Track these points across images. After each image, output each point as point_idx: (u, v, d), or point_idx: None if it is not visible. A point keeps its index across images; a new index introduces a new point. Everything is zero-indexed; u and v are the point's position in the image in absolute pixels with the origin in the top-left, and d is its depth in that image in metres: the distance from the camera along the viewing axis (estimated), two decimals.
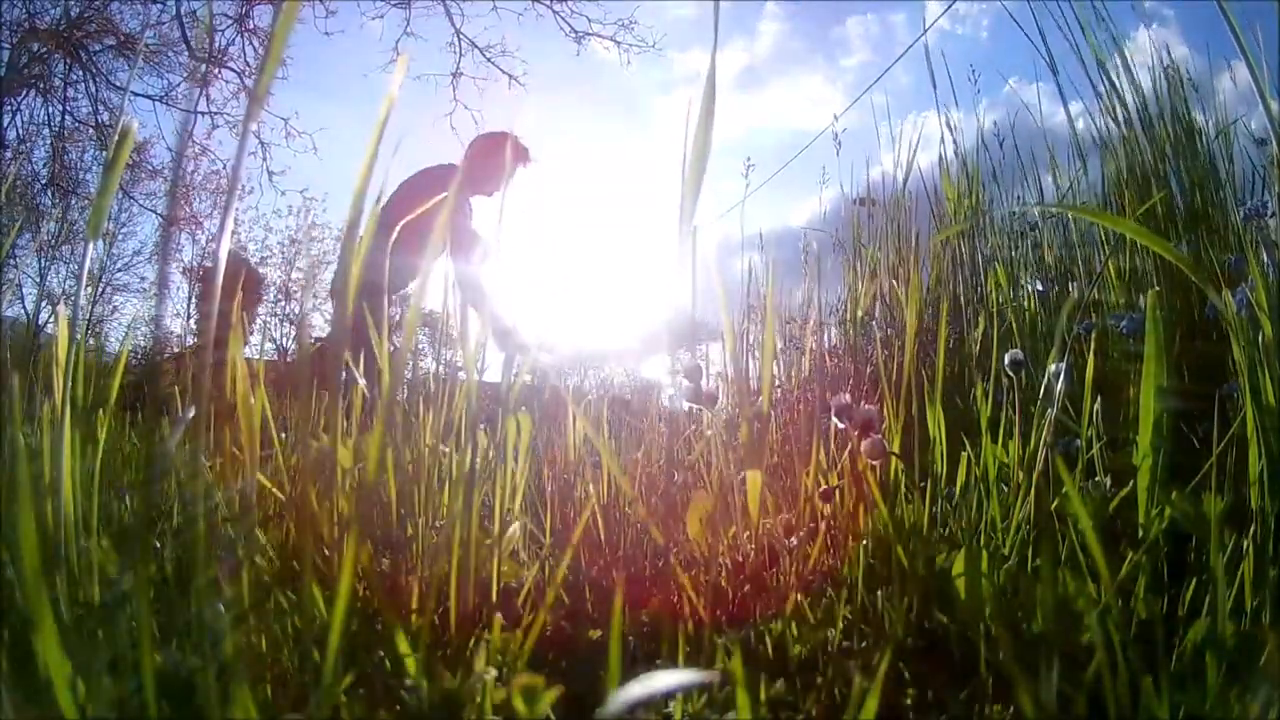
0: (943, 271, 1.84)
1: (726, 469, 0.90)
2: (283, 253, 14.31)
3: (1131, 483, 0.72)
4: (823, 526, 0.78)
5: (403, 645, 0.51)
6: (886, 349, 1.50)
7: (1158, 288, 0.96)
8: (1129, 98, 1.54)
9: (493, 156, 2.94)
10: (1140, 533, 0.70)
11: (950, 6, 2.34)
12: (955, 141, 1.96)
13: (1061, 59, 1.64)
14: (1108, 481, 0.78)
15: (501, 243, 0.73)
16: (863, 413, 0.79)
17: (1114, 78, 1.55)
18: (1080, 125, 1.68)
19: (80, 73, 8.54)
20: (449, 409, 0.85)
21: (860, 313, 1.83)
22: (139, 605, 0.36)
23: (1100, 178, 1.65)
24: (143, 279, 13.24)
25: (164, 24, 8.23)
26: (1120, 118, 1.55)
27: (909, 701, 0.61)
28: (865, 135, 2.17)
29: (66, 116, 8.77)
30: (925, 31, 2.12)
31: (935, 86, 1.98)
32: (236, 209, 0.48)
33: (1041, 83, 1.81)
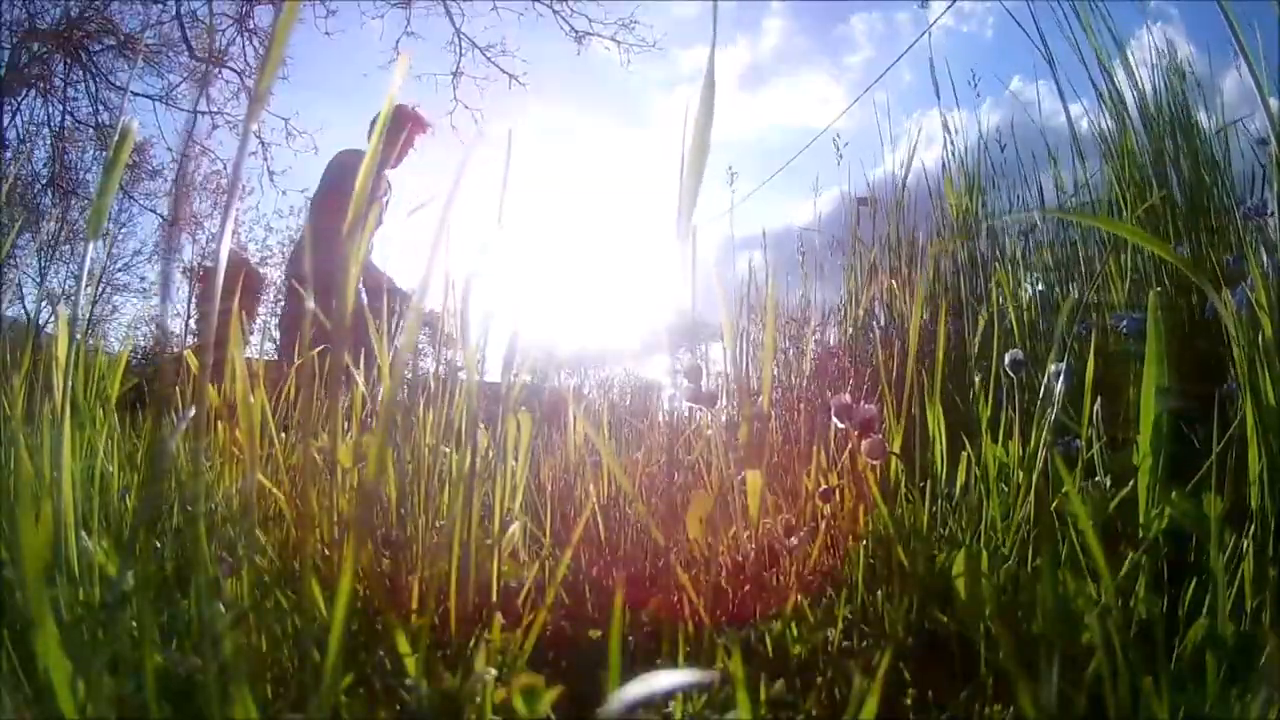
0: (943, 271, 1.84)
1: (726, 469, 0.90)
2: (283, 253, 14.32)
3: (1131, 483, 0.72)
4: (823, 526, 0.78)
5: (403, 645, 0.51)
6: (886, 349, 1.50)
7: (1158, 288, 0.96)
8: (1129, 97, 1.54)
9: (391, 132, 3.06)
10: (1140, 533, 0.70)
11: (951, 5, 2.34)
12: (956, 142, 1.96)
13: (1063, 58, 1.64)
14: (1108, 481, 0.78)
15: (501, 242, 0.73)
16: (863, 412, 0.79)
17: (1115, 78, 1.55)
18: (1084, 126, 1.68)
19: (80, 73, 8.55)
20: (449, 408, 0.85)
21: (860, 313, 1.83)
22: (140, 605, 0.36)
23: (1102, 177, 1.65)
24: (143, 279, 13.26)
25: (164, 24, 8.25)
26: (1120, 117, 1.55)
27: (909, 701, 0.61)
28: (869, 134, 2.17)
29: (66, 116, 8.78)
30: (927, 30, 2.12)
31: (938, 88, 1.98)
32: (237, 209, 0.48)
33: (1045, 82, 1.81)
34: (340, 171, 2.98)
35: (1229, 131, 1.55)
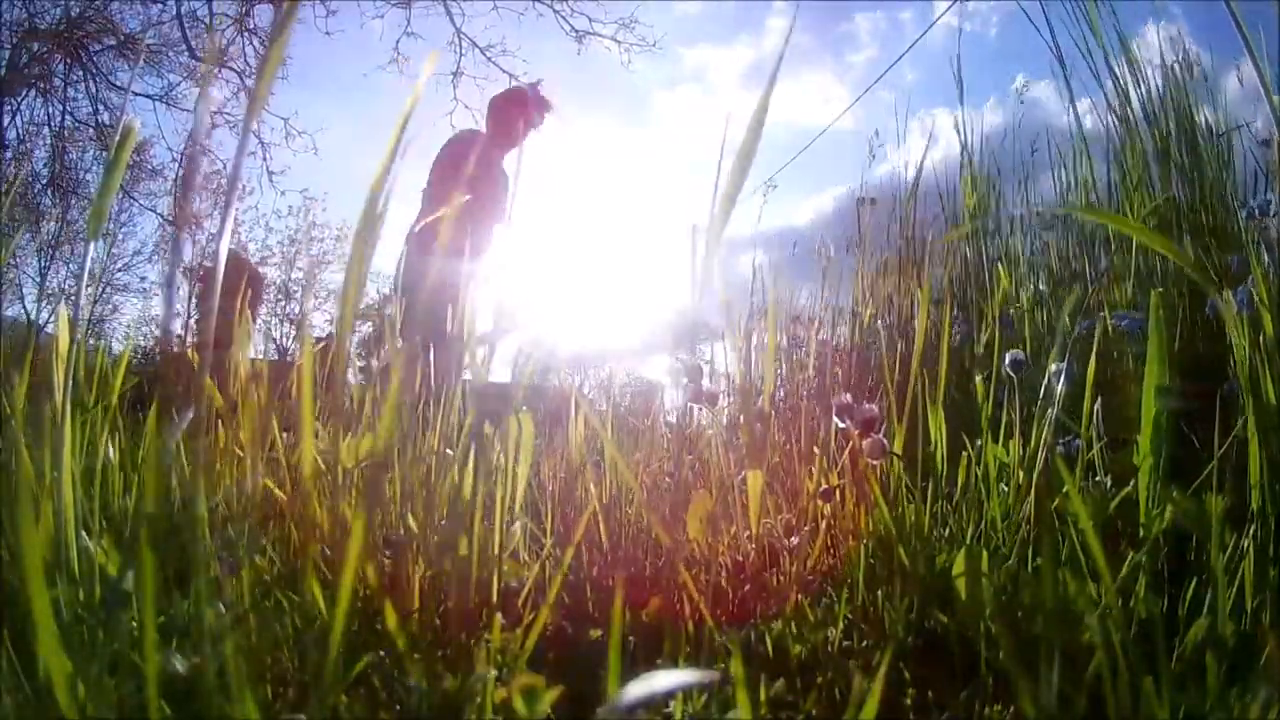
0: (951, 271, 1.84)
1: (727, 469, 0.90)
2: (283, 253, 14.36)
3: (1132, 483, 0.72)
4: (823, 526, 0.78)
5: (403, 645, 0.51)
6: (891, 350, 1.50)
7: (1161, 288, 0.96)
8: (1134, 96, 1.54)
9: (514, 112, 2.93)
10: (1140, 533, 0.70)
11: (953, 4, 2.34)
12: (967, 141, 1.96)
13: (1068, 55, 1.64)
14: (1108, 481, 0.78)
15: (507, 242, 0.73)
16: (863, 412, 0.79)
17: (1120, 77, 1.55)
18: (1088, 123, 1.68)
19: (80, 73, 8.55)
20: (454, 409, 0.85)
21: (867, 314, 1.83)
22: (142, 605, 0.36)
23: (1106, 177, 1.65)
24: (143, 279, 13.28)
25: (164, 24, 8.25)
26: (1126, 117, 1.55)
27: (909, 701, 0.61)
28: (872, 133, 2.16)
29: (66, 116, 8.79)
30: (929, 28, 2.12)
31: (957, 82, 1.97)
32: (236, 209, 0.48)
33: (1049, 81, 1.81)
34: (450, 153, 2.85)
35: (1230, 134, 1.55)
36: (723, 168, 0.45)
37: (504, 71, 8.58)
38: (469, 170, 2.71)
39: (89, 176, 9.17)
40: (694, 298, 0.53)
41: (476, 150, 2.90)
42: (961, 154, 1.94)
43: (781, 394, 1.66)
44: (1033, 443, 0.78)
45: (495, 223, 2.77)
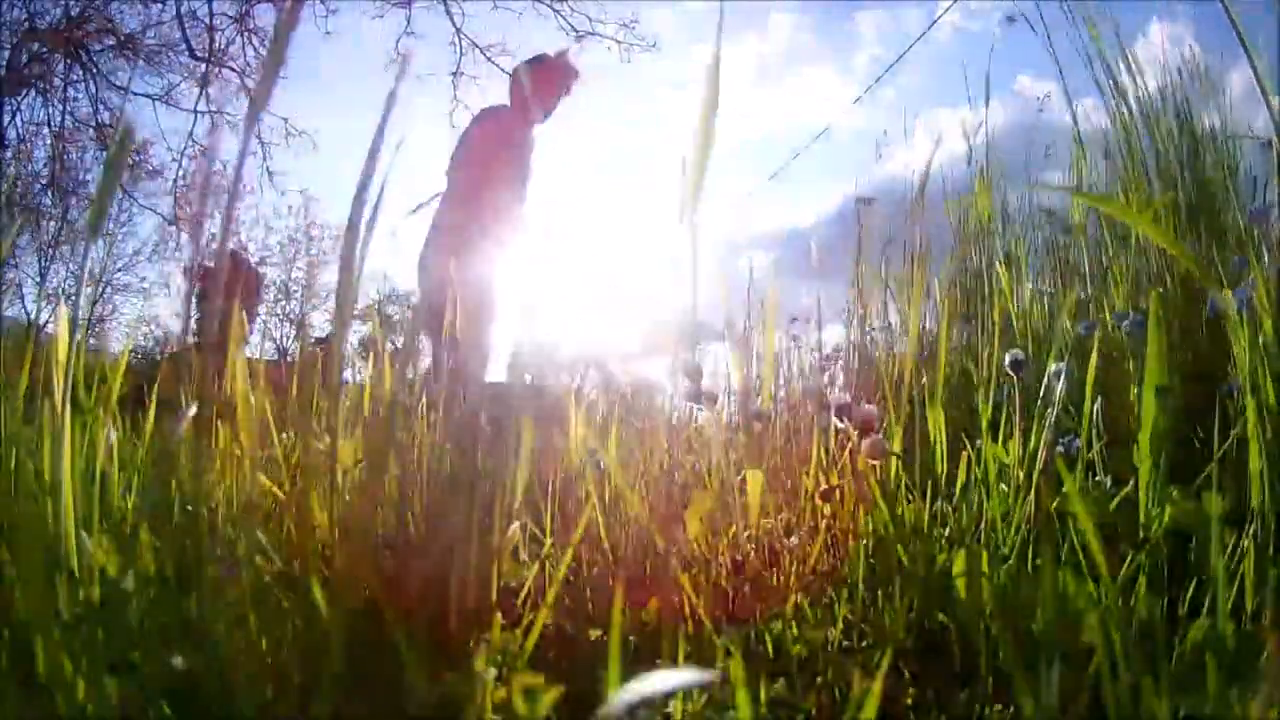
0: (955, 273, 1.84)
1: (726, 469, 0.90)
2: (283, 253, 14.38)
3: (1132, 482, 0.72)
4: (823, 526, 0.78)
5: (403, 645, 0.51)
6: (889, 350, 1.51)
7: (1160, 289, 0.96)
8: (1133, 95, 1.54)
9: (544, 82, 2.84)
10: (1140, 533, 0.70)
11: (953, 4, 2.34)
12: (983, 147, 1.96)
13: (1069, 57, 1.64)
14: (1108, 481, 0.78)
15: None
16: (863, 412, 0.79)
17: (1119, 77, 1.55)
18: (1088, 124, 1.68)
19: (80, 73, 8.55)
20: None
21: (863, 313, 1.83)
22: (142, 605, 0.36)
23: (1107, 177, 1.65)
24: (143, 279, 13.30)
25: (164, 24, 8.25)
26: (1125, 117, 1.55)
27: (909, 701, 0.61)
28: (875, 132, 2.17)
29: (66, 116, 8.78)
30: (930, 27, 2.12)
31: (968, 77, 1.97)
32: (237, 209, 0.48)
33: (1051, 81, 1.81)
34: (481, 134, 2.78)
35: (1232, 136, 1.55)
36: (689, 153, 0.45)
37: (504, 72, 8.57)
38: (506, 152, 2.63)
39: (89, 176, 9.17)
40: (691, 296, 0.53)
41: (515, 129, 2.78)
42: (986, 154, 1.93)
43: (781, 393, 1.66)
44: (1033, 443, 0.78)
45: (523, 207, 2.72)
